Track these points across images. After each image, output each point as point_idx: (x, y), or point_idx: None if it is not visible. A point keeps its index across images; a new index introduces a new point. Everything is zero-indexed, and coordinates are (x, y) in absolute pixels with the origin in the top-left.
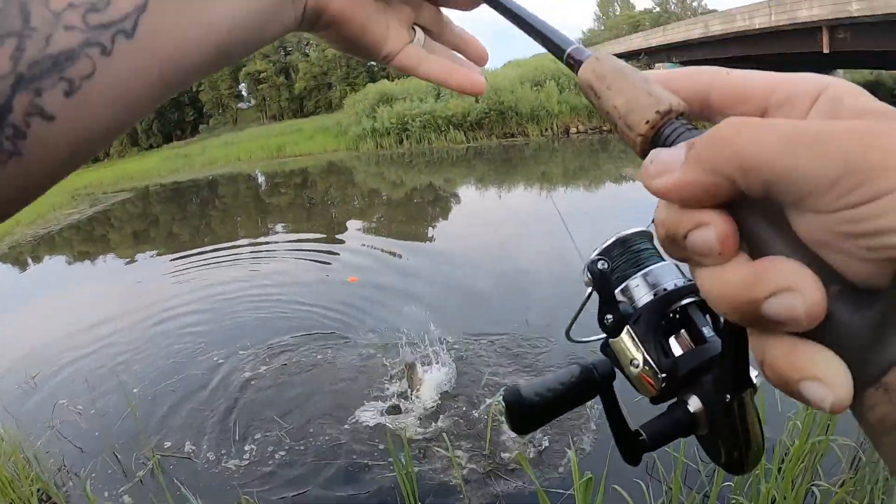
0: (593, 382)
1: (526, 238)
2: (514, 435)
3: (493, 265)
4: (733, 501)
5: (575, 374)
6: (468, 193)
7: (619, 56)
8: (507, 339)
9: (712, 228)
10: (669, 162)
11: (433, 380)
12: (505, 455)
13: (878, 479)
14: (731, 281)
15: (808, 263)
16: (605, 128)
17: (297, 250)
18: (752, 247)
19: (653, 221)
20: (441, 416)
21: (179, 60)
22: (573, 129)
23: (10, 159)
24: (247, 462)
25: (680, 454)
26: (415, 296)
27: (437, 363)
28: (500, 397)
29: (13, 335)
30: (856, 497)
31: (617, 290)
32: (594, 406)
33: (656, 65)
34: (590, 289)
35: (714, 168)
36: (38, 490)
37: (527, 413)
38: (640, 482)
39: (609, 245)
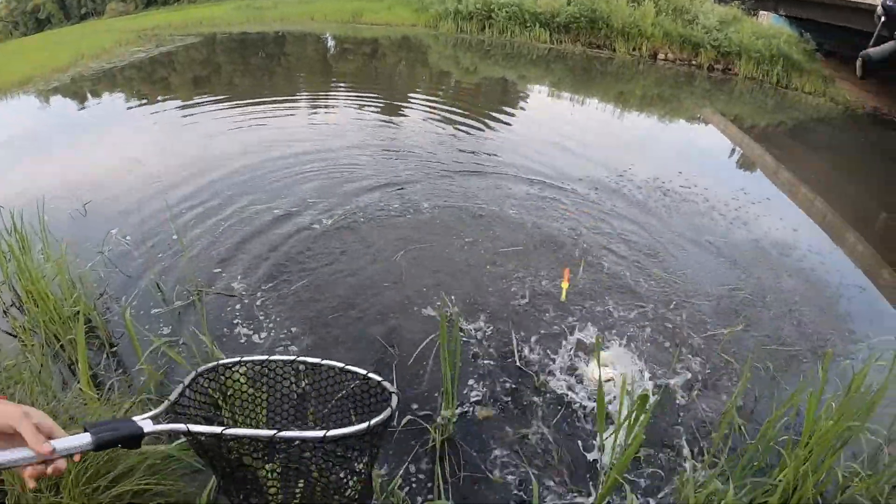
0: None
1: (582, 151)
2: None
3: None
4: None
5: None
6: (540, 95)
7: None
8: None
9: None
10: None
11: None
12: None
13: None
14: None
15: None
16: (694, 62)
17: (359, 118)
18: None
19: None
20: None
21: None
22: (661, 56)
23: None
24: (289, 319)
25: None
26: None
27: None
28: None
29: (67, 164)
30: (868, 494)
31: None
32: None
33: (761, 13)
34: (881, 19)
35: None
36: (78, 312)
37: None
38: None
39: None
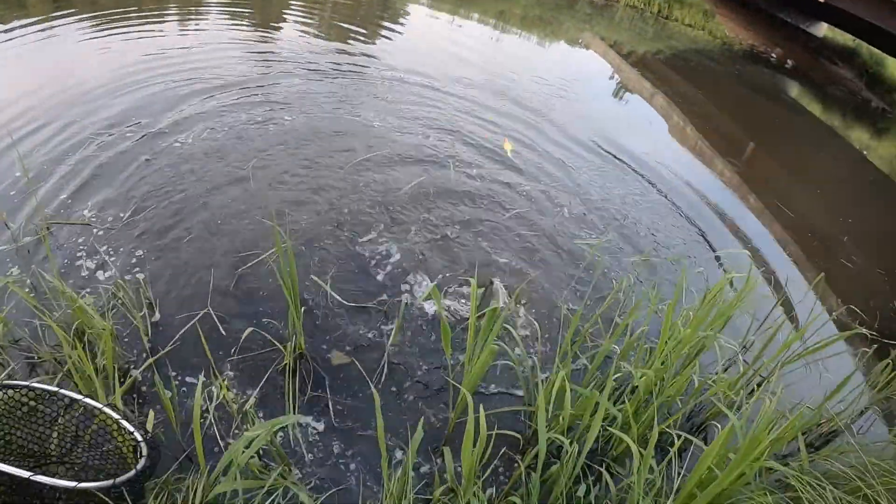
0: None
1: (460, 67)
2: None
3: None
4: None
5: None
6: (419, 10)
7: None
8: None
9: None
10: None
11: None
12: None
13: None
14: None
15: None
16: None
17: (231, 30)
18: None
19: None
20: None
21: None
22: None
23: None
24: (141, 241)
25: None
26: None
27: None
28: None
29: None
30: (724, 398)
31: None
32: None
33: None
34: None
35: None
36: None
37: None
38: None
39: None
